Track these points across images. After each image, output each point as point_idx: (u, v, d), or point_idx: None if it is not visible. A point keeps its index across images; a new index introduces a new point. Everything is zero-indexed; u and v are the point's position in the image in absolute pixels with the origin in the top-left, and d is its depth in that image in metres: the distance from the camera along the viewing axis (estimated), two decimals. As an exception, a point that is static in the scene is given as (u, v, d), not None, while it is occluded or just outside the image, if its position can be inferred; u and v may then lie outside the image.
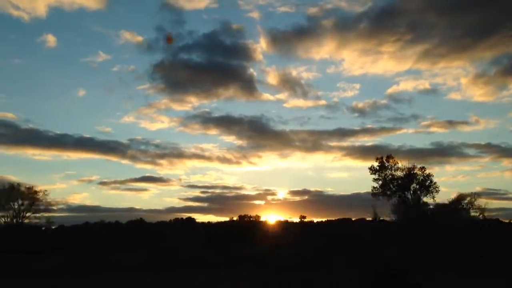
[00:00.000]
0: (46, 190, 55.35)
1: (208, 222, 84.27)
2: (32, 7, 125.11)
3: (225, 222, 77.35)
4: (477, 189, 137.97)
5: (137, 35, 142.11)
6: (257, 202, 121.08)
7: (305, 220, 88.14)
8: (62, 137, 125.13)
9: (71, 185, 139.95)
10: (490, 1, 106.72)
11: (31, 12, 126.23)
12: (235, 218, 74.47)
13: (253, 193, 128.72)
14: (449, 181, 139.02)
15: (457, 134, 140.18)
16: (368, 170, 46.21)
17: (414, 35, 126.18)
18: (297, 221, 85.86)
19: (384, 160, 45.57)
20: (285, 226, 75.49)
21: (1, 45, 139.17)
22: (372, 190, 45.48)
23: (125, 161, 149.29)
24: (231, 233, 56.84)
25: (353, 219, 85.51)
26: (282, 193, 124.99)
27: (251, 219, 74.99)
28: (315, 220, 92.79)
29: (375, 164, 45.79)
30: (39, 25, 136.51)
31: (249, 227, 63.81)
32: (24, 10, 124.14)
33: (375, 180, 45.56)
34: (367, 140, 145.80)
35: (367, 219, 69.17)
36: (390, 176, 45.09)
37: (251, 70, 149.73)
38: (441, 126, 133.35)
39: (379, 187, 45.19)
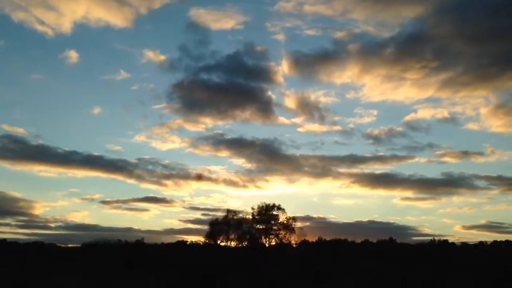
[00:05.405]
0: None
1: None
2: (57, 23, 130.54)
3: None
4: (481, 222, 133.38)
5: (160, 54, 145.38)
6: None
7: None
8: (71, 154, 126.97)
9: (73, 202, 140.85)
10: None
11: (55, 27, 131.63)
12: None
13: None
14: (453, 212, 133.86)
15: (470, 165, 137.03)
16: None
17: (439, 62, 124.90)
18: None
19: None
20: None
21: (23, 59, 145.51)
22: None
23: (130, 181, 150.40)
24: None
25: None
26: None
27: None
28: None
29: None
30: (62, 41, 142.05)
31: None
32: (49, 25, 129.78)
33: None
34: (378, 168, 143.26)
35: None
36: None
37: (270, 92, 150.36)
38: (455, 156, 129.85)
39: None
